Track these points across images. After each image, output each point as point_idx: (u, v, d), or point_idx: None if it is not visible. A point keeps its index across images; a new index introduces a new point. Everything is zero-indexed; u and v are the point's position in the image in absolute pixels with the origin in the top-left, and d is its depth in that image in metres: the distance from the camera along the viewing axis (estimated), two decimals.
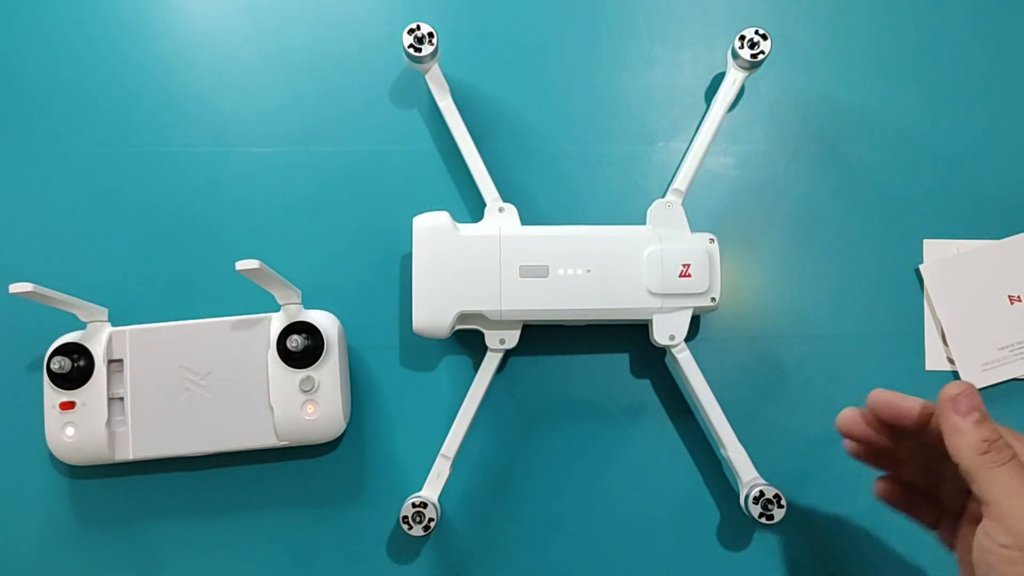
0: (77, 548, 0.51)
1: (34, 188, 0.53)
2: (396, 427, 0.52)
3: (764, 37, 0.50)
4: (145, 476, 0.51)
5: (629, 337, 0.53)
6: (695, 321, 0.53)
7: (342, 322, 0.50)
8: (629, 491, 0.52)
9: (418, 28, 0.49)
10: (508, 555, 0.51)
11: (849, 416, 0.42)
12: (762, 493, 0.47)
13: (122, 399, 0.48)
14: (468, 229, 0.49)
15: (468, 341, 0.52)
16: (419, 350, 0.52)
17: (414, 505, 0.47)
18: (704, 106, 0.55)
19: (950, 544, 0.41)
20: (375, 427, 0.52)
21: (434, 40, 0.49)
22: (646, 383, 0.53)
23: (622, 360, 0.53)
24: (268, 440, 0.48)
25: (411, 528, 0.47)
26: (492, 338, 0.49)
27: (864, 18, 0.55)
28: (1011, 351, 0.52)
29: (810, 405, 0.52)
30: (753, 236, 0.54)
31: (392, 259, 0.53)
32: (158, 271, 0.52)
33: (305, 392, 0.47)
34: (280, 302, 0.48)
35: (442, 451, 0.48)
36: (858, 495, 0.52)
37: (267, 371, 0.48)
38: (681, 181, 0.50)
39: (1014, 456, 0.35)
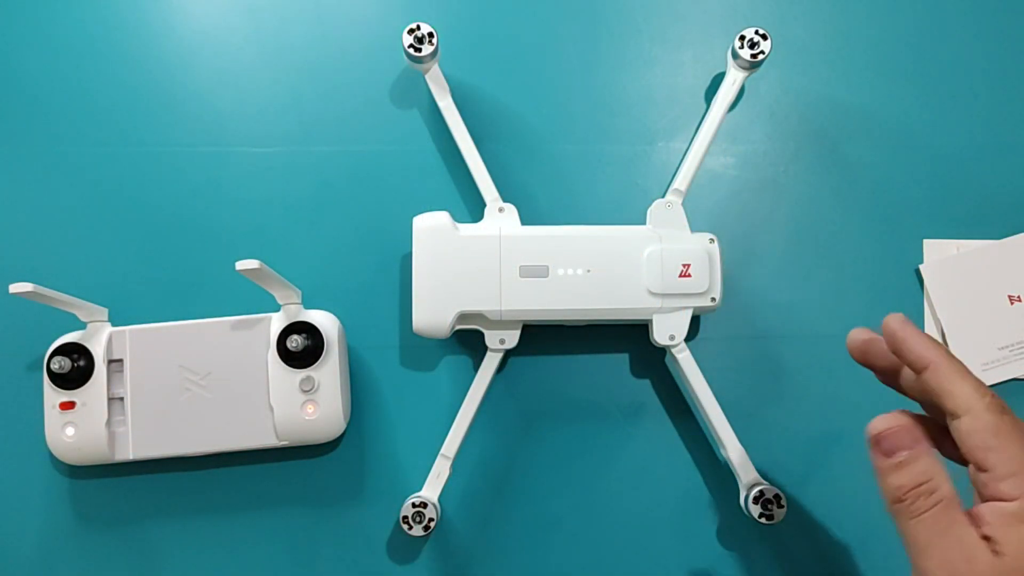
0: (77, 548, 0.51)
1: (34, 188, 0.53)
2: (396, 427, 0.52)
3: (764, 37, 0.50)
4: (145, 476, 0.51)
5: (629, 337, 0.53)
6: (695, 321, 0.53)
7: (342, 322, 0.50)
8: (629, 491, 0.52)
9: (418, 28, 0.49)
10: (508, 555, 0.51)
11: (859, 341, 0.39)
12: (762, 493, 0.47)
13: (122, 399, 0.48)
14: (468, 229, 0.49)
15: (468, 341, 0.52)
16: (419, 350, 0.52)
17: (414, 505, 0.47)
18: (704, 106, 0.55)
19: None
20: (375, 427, 0.52)
21: (434, 40, 0.49)
22: (646, 383, 0.53)
23: (622, 360, 0.53)
24: (268, 440, 0.48)
25: (411, 528, 0.47)
26: (492, 338, 0.49)
27: (864, 18, 0.55)
28: (1011, 351, 0.52)
29: (810, 405, 0.52)
30: (753, 236, 0.54)
31: (392, 259, 0.53)
32: (158, 271, 0.52)
33: (305, 392, 0.47)
34: (280, 302, 0.48)
35: (442, 451, 0.48)
36: (858, 495, 0.52)
37: (267, 371, 0.48)
38: (681, 181, 0.50)
39: (940, 501, 0.33)
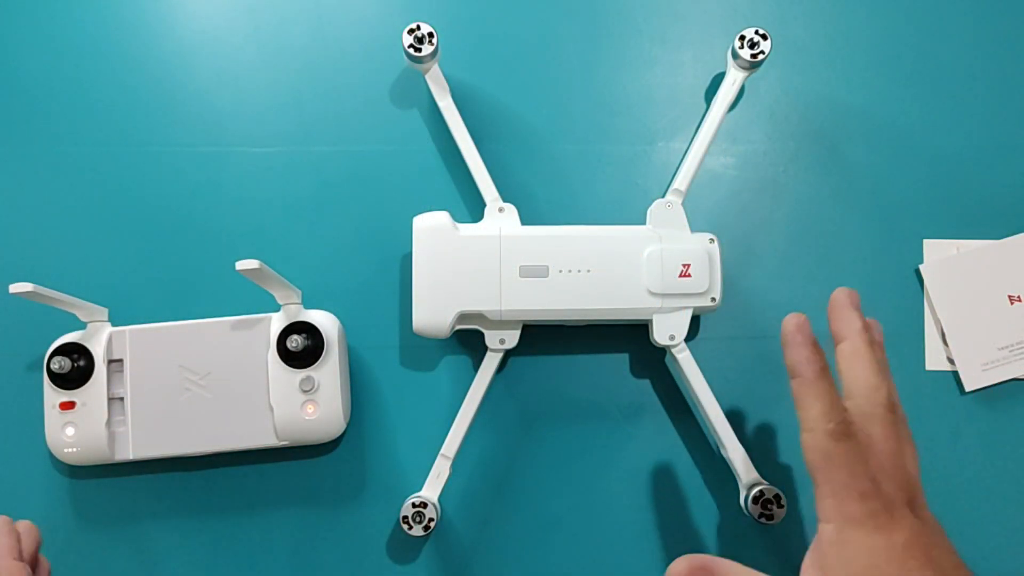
0: (77, 548, 0.51)
1: (34, 188, 0.53)
2: (396, 427, 0.52)
3: (764, 37, 0.50)
4: (145, 476, 0.51)
5: (629, 337, 0.53)
6: (695, 321, 0.53)
7: (342, 322, 0.50)
8: (629, 491, 0.52)
9: (418, 28, 0.49)
10: (508, 555, 0.51)
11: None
12: (762, 493, 0.47)
13: (122, 399, 0.48)
14: (468, 229, 0.49)
15: (468, 341, 0.52)
16: (419, 350, 0.52)
17: (414, 505, 0.47)
18: (704, 106, 0.55)
19: None
20: (375, 427, 0.52)
21: (434, 40, 0.49)
22: (646, 383, 0.53)
23: (622, 360, 0.53)
24: (268, 440, 0.48)
25: (411, 528, 0.47)
26: (492, 338, 0.49)
27: (864, 18, 0.55)
28: (1011, 351, 0.52)
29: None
30: (753, 236, 0.54)
31: (392, 259, 0.53)
32: (158, 271, 0.52)
33: (305, 392, 0.47)
34: (280, 302, 0.48)
35: (442, 451, 0.48)
36: None
37: (267, 371, 0.48)
38: (681, 181, 0.50)
39: None
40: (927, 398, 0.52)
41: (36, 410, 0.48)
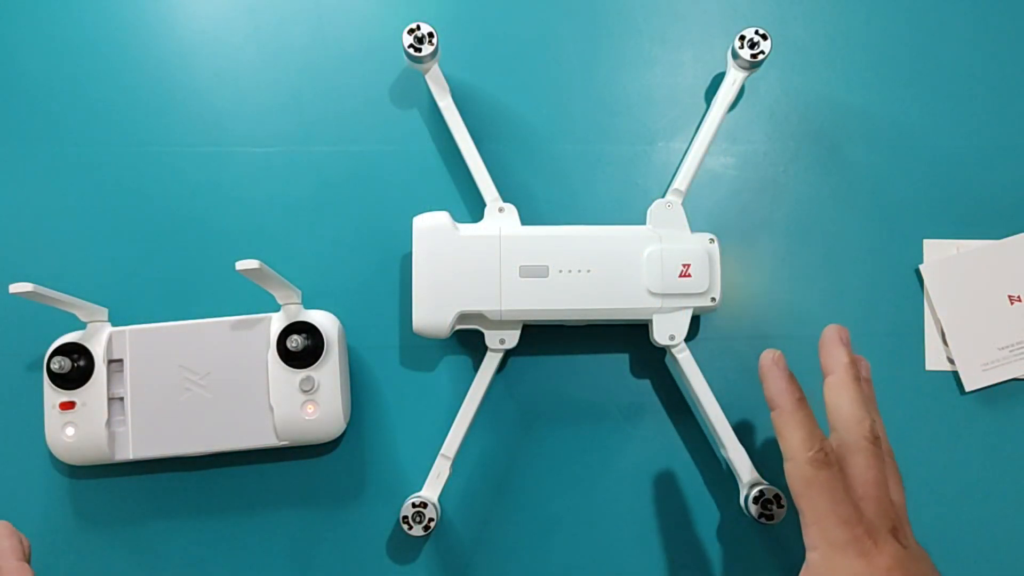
0: (77, 548, 0.51)
1: (34, 188, 0.53)
2: (396, 427, 0.52)
3: (764, 37, 0.50)
4: (145, 476, 0.51)
5: (629, 337, 0.53)
6: (695, 321, 0.53)
7: (342, 322, 0.50)
8: (629, 491, 0.52)
9: (418, 28, 0.49)
10: (508, 555, 0.51)
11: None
12: (762, 493, 0.47)
13: (122, 399, 0.48)
14: (468, 229, 0.49)
15: (468, 341, 0.52)
16: (419, 350, 0.52)
17: (414, 505, 0.47)
18: (704, 106, 0.55)
19: None
20: (375, 427, 0.52)
21: (434, 40, 0.49)
22: (646, 383, 0.53)
23: (622, 360, 0.53)
24: (268, 440, 0.48)
25: (411, 528, 0.47)
26: (492, 338, 0.49)
27: (864, 18, 0.55)
28: (1011, 351, 0.52)
29: (810, 405, 0.52)
30: (753, 236, 0.54)
31: (392, 259, 0.53)
32: (158, 271, 0.52)
33: (305, 392, 0.47)
34: (280, 302, 0.48)
35: (442, 451, 0.48)
36: None
37: (267, 371, 0.48)
38: (681, 181, 0.50)
39: None
40: (927, 398, 0.52)
41: (36, 410, 0.48)
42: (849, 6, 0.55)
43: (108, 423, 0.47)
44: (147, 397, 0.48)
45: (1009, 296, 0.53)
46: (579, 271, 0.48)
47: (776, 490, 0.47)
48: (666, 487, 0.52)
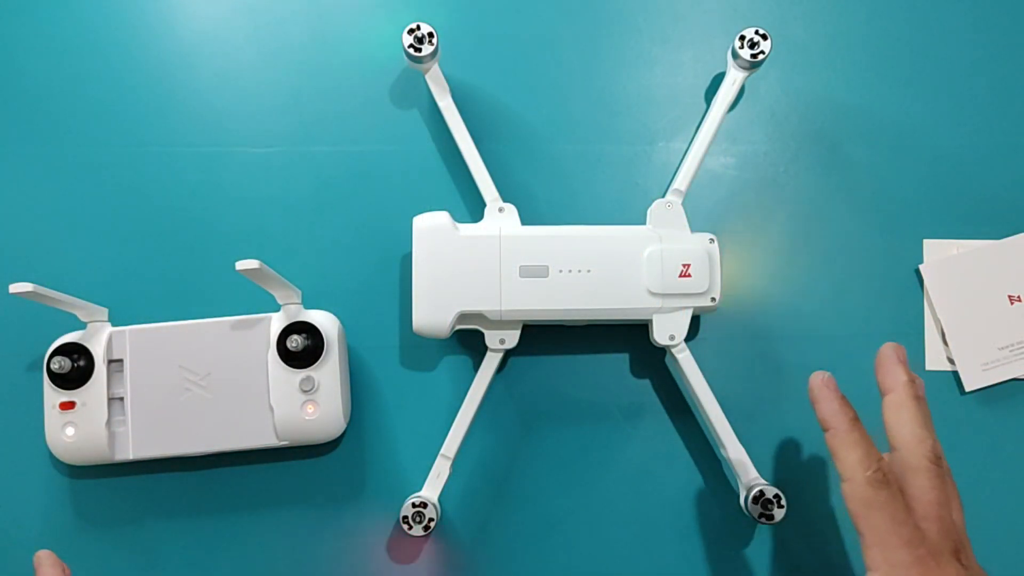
0: (77, 548, 0.51)
1: (34, 188, 0.53)
2: (396, 427, 0.52)
3: (764, 37, 0.50)
4: (145, 476, 0.51)
5: (629, 337, 0.53)
6: (695, 321, 0.53)
7: (342, 322, 0.50)
8: (629, 491, 0.52)
9: (418, 28, 0.49)
10: (508, 555, 0.51)
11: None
12: (762, 493, 0.47)
13: (122, 399, 0.48)
14: (468, 229, 0.49)
15: (468, 341, 0.52)
16: (419, 350, 0.52)
17: (414, 505, 0.47)
18: (704, 106, 0.55)
19: None
20: (375, 427, 0.52)
21: (434, 40, 0.49)
22: (646, 383, 0.53)
23: (622, 360, 0.53)
24: (268, 440, 0.48)
25: (411, 528, 0.47)
26: (492, 338, 0.49)
27: (864, 18, 0.55)
28: (1011, 351, 0.52)
29: (810, 405, 0.52)
30: (753, 236, 0.54)
31: (392, 259, 0.53)
32: (158, 271, 0.52)
33: (305, 392, 0.47)
34: (280, 302, 0.48)
35: (442, 451, 0.48)
36: None
37: (267, 371, 0.48)
38: (681, 181, 0.50)
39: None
40: (927, 398, 0.52)
41: (36, 410, 0.48)
42: (849, 6, 0.55)
43: (108, 423, 0.47)
44: (147, 397, 0.48)
45: (1009, 296, 0.53)
46: (579, 271, 0.48)
47: (776, 490, 0.47)
48: (666, 487, 0.52)
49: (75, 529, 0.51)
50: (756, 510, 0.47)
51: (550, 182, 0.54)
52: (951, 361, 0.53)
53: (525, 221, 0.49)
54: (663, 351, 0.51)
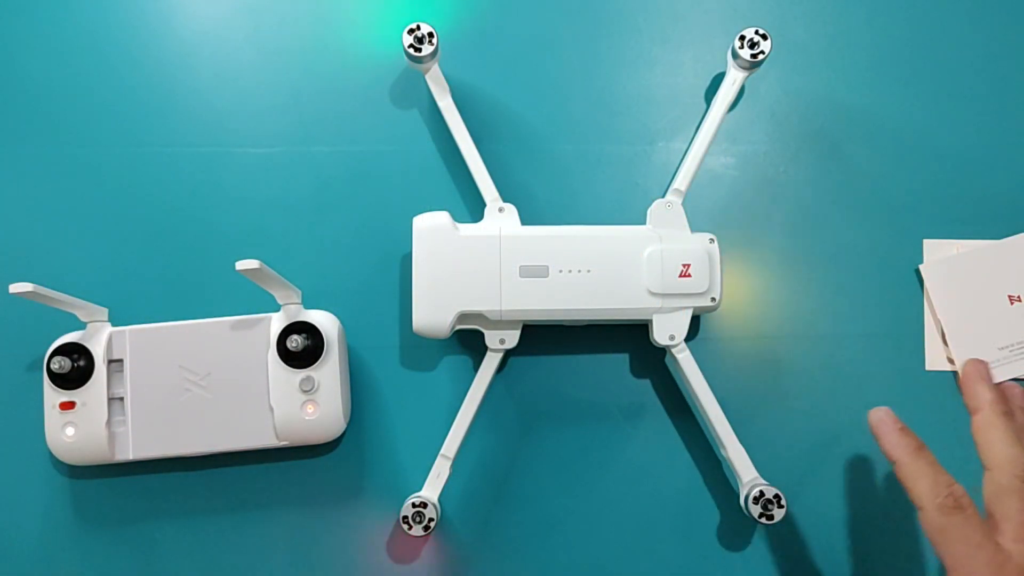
0: (77, 548, 0.51)
1: (34, 188, 0.53)
2: (396, 427, 0.52)
3: (764, 37, 0.50)
4: (145, 476, 0.51)
5: (629, 337, 0.53)
6: (695, 321, 0.53)
7: (342, 322, 0.50)
8: (629, 491, 0.52)
9: (418, 28, 0.49)
10: (508, 555, 0.51)
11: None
12: (762, 493, 0.47)
13: (122, 399, 0.48)
14: (468, 229, 0.49)
15: (468, 341, 0.52)
16: (419, 350, 0.52)
17: (414, 505, 0.47)
18: (704, 106, 0.55)
19: None
20: (375, 427, 0.52)
21: (434, 40, 0.49)
22: (646, 383, 0.53)
23: (622, 360, 0.53)
24: (268, 440, 0.48)
25: (411, 528, 0.47)
26: (492, 338, 0.49)
27: (864, 18, 0.55)
28: (1011, 351, 0.52)
29: (810, 405, 0.52)
30: (753, 236, 0.54)
31: (392, 259, 0.53)
32: (158, 271, 0.52)
33: (305, 392, 0.47)
34: (280, 302, 0.48)
35: (442, 451, 0.48)
36: (858, 495, 0.52)
37: (267, 371, 0.48)
38: (681, 181, 0.50)
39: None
40: (927, 398, 0.52)
41: (36, 410, 0.48)
42: (849, 6, 0.55)
43: (108, 423, 0.47)
44: (147, 397, 0.48)
45: (1009, 296, 0.53)
46: (579, 271, 0.48)
47: (776, 490, 0.47)
48: (666, 487, 0.52)
49: (75, 529, 0.51)
50: (756, 510, 0.47)
51: (550, 182, 0.54)
52: (951, 361, 0.53)
53: (525, 221, 0.49)
54: (663, 351, 0.51)
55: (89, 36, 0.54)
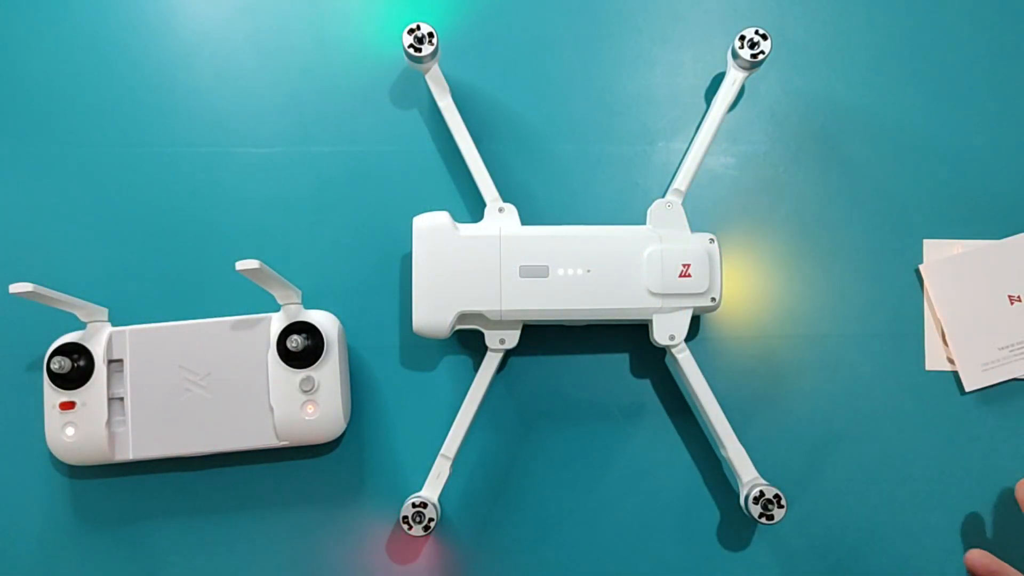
0: (77, 548, 0.51)
1: (34, 188, 0.53)
2: (396, 427, 0.52)
3: (764, 37, 0.50)
4: (145, 476, 0.51)
5: (629, 337, 0.53)
6: (695, 321, 0.53)
7: (342, 322, 0.50)
8: (629, 491, 0.52)
9: (418, 28, 0.49)
10: (508, 555, 0.51)
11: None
12: (762, 493, 0.47)
13: (122, 399, 0.48)
14: (468, 229, 0.49)
15: (468, 341, 0.52)
16: (419, 350, 0.52)
17: (414, 505, 0.47)
18: (704, 106, 0.55)
19: None
20: (375, 427, 0.52)
21: (434, 40, 0.49)
22: (646, 383, 0.53)
23: (622, 360, 0.53)
24: (268, 440, 0.48)
25: (411, 528, 0.47)
26: (492, 338, 0.49)
27: (864, 18, 0.55)
28: (1011, 351, 0.52)
29: (810, 405, 0.52)
30: (753, 236, 0.54)
31: (392, 259, 0.53)
32: (158, 271, 0.52)
33: (305, 392, 0.47)
34: (280, 302, 0.48)
35: (442, 451, 0.48)
36: (858, 495, 0.52)
37: (267, 371, 0.48)
38: (681, 181, 0.50)
39: None
40: (927, 398, 0.52)
41: (36, 410, 0.48)
42: (849, 6, 0.55)
43: (108, 423, 0.47)
44: (147, 397, 0.48)
45: (1009, 296, 0.53)
46: (579, 271, 0.48)
47: (776, 490, 0.47)
48: (666, 487, 0.52)
49: (75, 529, 0.51)
50: (756, 510, 0.47)
51: (550, 182, 0.54)
52: (951, 361, 0.53)
53: (525, 221, 0.49)
54: (663, 351, 0.51)
55: (89, 36, 0.54)
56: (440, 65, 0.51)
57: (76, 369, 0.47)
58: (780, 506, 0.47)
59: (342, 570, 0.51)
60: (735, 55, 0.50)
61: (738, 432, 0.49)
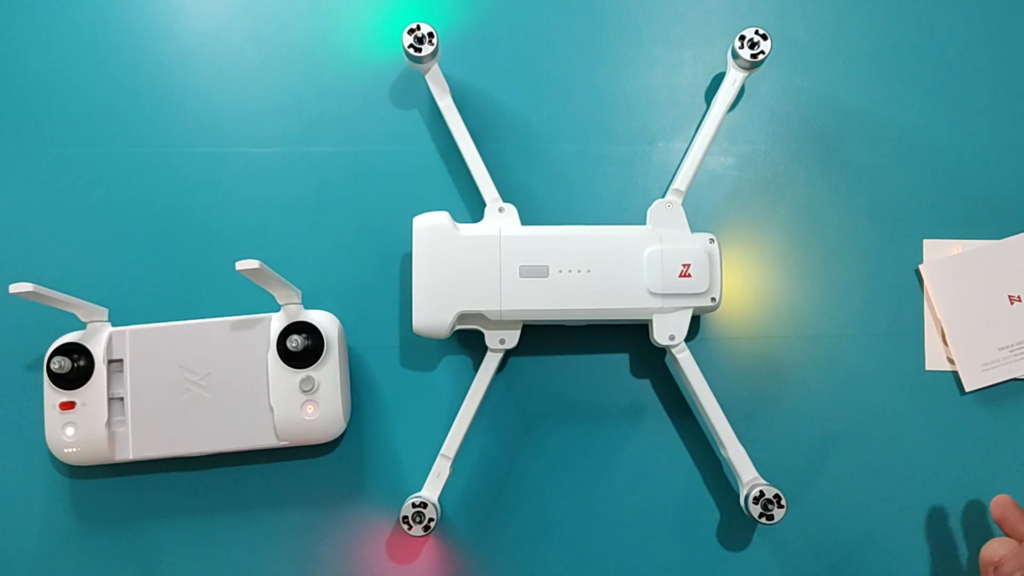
0: (77, 548, 0.51)
1: (34, 188, 0.53)
2: (396, 427, 0.52)
3: (764, 37, 0.50)
4: (145, 476, 0.51)
5: (629, 337, 0.53)
6: (695, 321, 0.53)
7: (342, 322, 0.50)
8: (629, 491, 0.52)
9: (418, 28, 0.49)
10: (508, 555, 0.51)
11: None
12: (762, 493, 0.47)
13: (122, 399, 0.48)
14: (468, 229, 0.49)
15: (468, 341, 0.52)
16: (419, 350, 0.52)
17: (414, 505, 0.47)
18: (704, 106, 0.55)
19: None
20: (375, 427, 0.52)
21: (434, 40, 0.49)
22: (646, 383, 0.53)
23: (622, 360, 0.53)
24: (268, 440, 0.48)
25: (411, 528, 0.47)
26: (492, 338, 0.49)
27: (865, 18, 0.55)
28: (1011, 351, 0.52)
29: (810, 405, 0.52)
30: (753, 236, 0.54)
31: (392, 259, 0.53)
32: (158, 271, 0.52)
33: (305, 392, 0.47)
34: (280, 302, 0.48)
35: (442, 451, 0.48)
36: (858, 495, 0.52)
37: (267, 371, 0.48)
38: (681, 181, 0.50)
39: None
40: (927, 398, 0.52)
41: (36, 410, 0.48)
42: (850, 6, 0.55)
43: (108, 423, 0.47)
44: (147, 397, 0.48)
45: (1009, 296, 0.53)
46: (579, 271, 0.48)
47: (776, 490, 0.47)
48: (666, 487, 0.52)
49: (75, 529, 0.51)
50: (756, 510, 0.47)
51: (550, 182, 0.54)
52: (951, 361, 0.53)
53: (525, 221, 0.49)
54: (663, 351, 0.51)
55: (89, 36, 0.54)
56: (440, 65, 0.51)
57: (76, 369, 0.47)
58: (780, 506, 0.47)
59: (342, 570, 0.51)
60: (735, 55, 0.50)
61: (738, 432, 0.49)
